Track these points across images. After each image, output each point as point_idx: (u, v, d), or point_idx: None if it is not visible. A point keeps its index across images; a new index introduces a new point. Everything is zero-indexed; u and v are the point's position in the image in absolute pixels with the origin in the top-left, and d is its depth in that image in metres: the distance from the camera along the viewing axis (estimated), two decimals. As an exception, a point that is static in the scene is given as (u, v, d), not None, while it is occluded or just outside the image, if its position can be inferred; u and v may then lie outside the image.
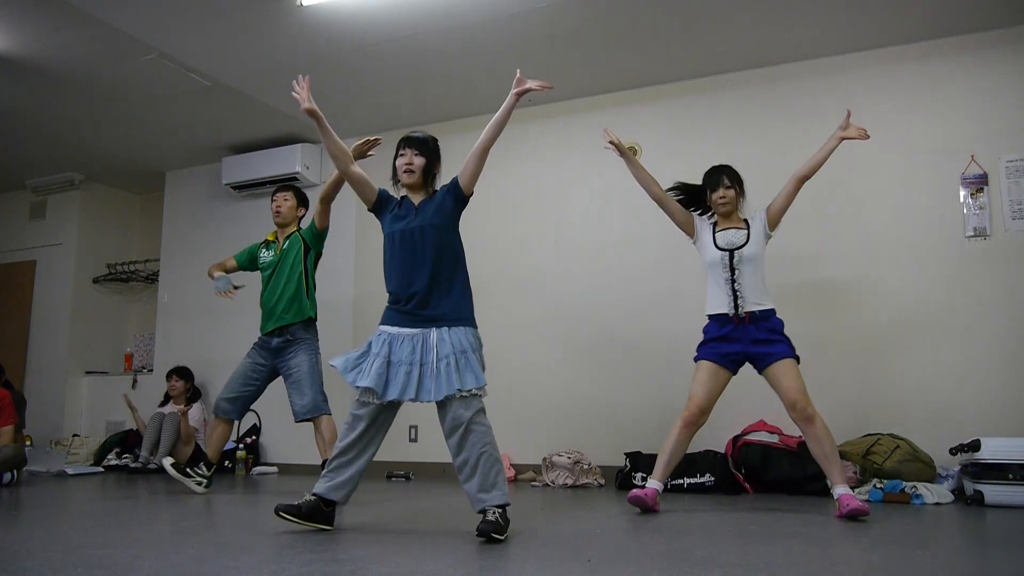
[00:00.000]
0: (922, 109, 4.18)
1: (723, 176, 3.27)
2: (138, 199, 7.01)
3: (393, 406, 2.67)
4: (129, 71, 4.49)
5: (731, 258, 3.17)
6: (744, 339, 3.10)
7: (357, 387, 2.60)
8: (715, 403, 3.15)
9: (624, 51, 4.37)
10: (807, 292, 4.24)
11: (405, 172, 2.76)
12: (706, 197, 3.32)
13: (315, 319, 4.10)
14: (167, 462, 3.96)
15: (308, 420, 3.90)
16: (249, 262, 4.27)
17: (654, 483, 3.12)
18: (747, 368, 3.36)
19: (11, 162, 6.14)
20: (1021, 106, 3.99)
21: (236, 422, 4.20)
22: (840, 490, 2.90)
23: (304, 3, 3.77)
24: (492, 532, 2.35)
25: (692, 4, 3.86)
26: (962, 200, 4.03)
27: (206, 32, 4.08)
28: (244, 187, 5.76)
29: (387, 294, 2.73)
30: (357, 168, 2.83)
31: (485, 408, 2.59)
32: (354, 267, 5.50)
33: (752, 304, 3.11)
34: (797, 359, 3.07)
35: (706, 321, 3.26)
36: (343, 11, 3.87)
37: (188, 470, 3.97)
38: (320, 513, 2.63)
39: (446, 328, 2.61)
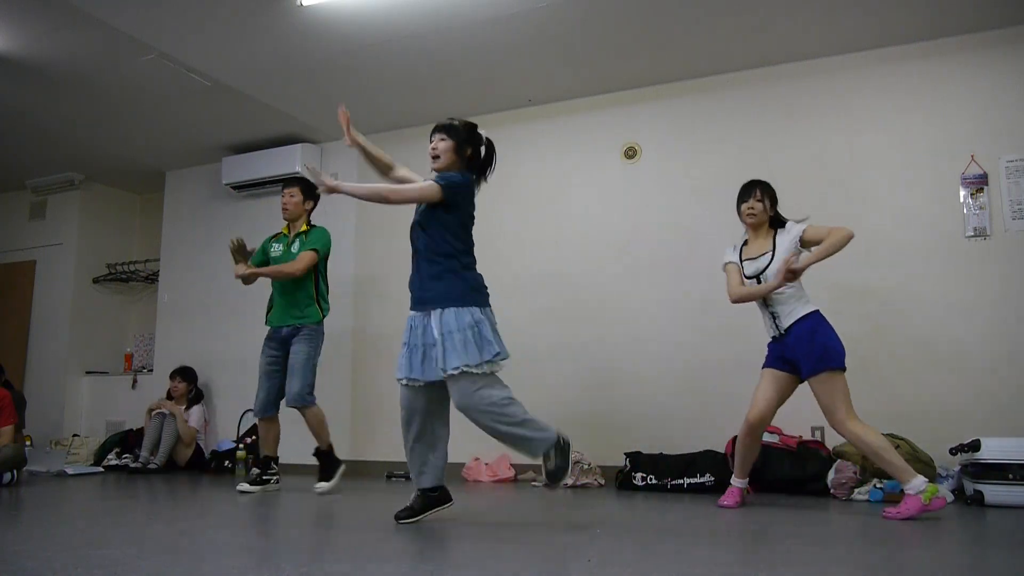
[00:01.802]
0: (922, 109, 4.18)
1: (755, 189, 3.33)
2: (138, 199, 7.01)
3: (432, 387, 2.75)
4: (129, 71, 4.48)
5: (758, 283, 3.23)
6: (789, 347, 3.15)
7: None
8: (776, 406, 3.23)
9: (624, 51, 4.37)
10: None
11: (432, 158, 2.86)
12: (738, 211, 3.37)
13: (323, 318, 4.22)
14: (241, 488, 4.03)
15: (294, 408, 4.03)
16: (264, 259, 4.31)
17: (738, 482, 3.33)
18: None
19: (11, 162, 6.14)
20: (1021, 106, 3.99)
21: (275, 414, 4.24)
22: (910, 487, 2.86)
23: (304, 3, 3.76)
24: (551, 479, 2.64)
25: (692, 4, 3.86)
26: (962, 200, 4.03)
27: (206, 32, 4.08)
28: (244, 187, 5.76)
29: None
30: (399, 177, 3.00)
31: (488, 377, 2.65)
32: (353, 283, 5.50)
33: (788, 318, 3.16)
34: (832, 369, 3.00)
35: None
36: (343, 11, 3.87)
37: (261, 479, 4.10)
38: (432, 500, 2.78)
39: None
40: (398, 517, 2.74)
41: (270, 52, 4.31)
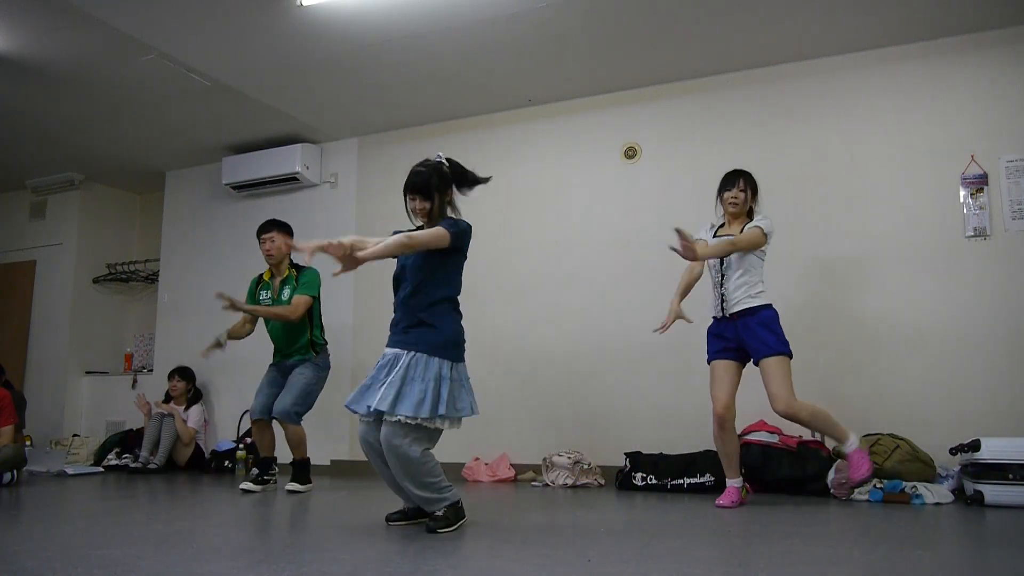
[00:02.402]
0: (922, 109, 4.18)
1: (739, 179, 3.41)
2: (138, 199, 7.01)
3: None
4: (129, 71, 4.48)
5: (721, 263, 3.36)
6: (733, 333, 3.32)
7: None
8: (735, 394, 3.33)
9: (624, 51, 4.37)
10: (807, 292, 4.24)
11: (424, 220, 2.83)
12: (720, 197, 3.46)
13: (324, 345, 4.33)
14: (244, 487, 4.08)
15: (276, 419, 4.10)
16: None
17: (733, 482, 3.37)
18: (747, 369, 3.37)
19: (11, 162, 6.13)
20: (1021, 106, 3.99)
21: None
22: (849, 446, 3.25)
23: (304, 3, 3.76)
24: (432, 526, 2.62)
25: (692, 4, 3.86)
26: (962, 200, 4.03)
27: (206, 32, 4.08)
28: (244, 187, 5.76)
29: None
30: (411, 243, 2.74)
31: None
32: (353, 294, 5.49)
33: (736, 305, 3.30)
34: (787, 355, 3.22)
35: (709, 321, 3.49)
36: (343, 11, 3.87)
37: (262, 478, 4.15)
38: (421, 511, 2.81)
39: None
40: (390, 519, 2.79)
41: (270, 52, 4.31)
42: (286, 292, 4.21)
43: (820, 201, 4.30)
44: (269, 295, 4.28)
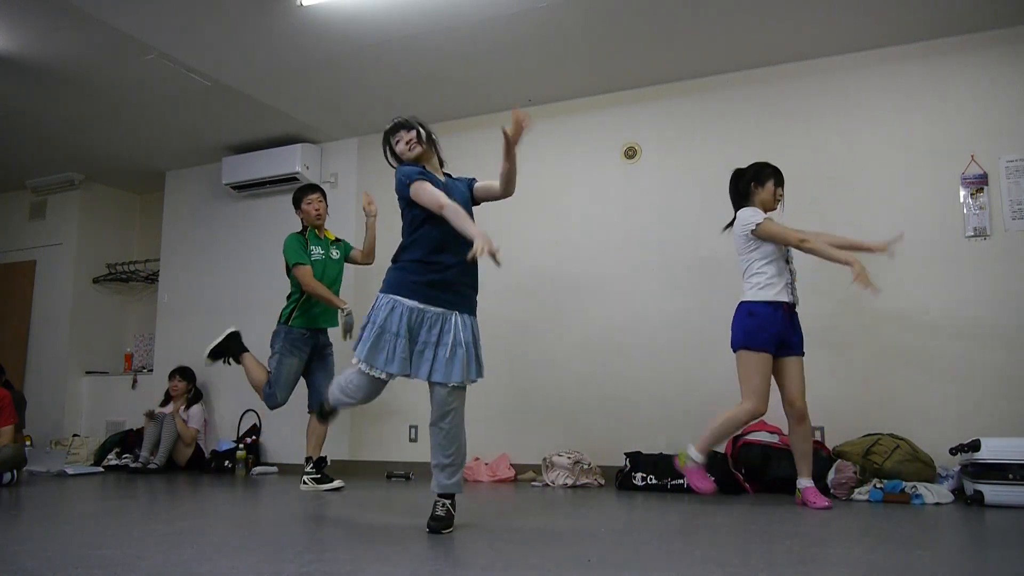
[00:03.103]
0: (922, 109, 4.18)
1: (781, 176, 3.52)
2: (138, 199, 7.01)
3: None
4: (129, 71, 4.48)
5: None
6: (788, 323, 3.38)
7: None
8: (795, 391, 3.36)
9: (624, 51, 4.37)
10: (807, 292, 4.23)
11: (409, 148, 2.87)
12: (772, 191, 3.47)
13: None
14: (304, 489, 4.10)
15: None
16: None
17: (807, 482, 3.35)
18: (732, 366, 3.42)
19: (11, 162, 6.13)
20: (1021, 106, 3.99)
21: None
22: (806, 483, 3.31)
23: (304, 3, 3.76)
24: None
25: (692, 4, 3.86)
26: (962, 200, 4.03)
27: (206, 32, 4.08)
28: (244, 187, 5.75)
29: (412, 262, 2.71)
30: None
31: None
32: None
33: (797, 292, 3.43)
34: (737, 349, 3.32)
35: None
36: (343, 11, 3.87)
37: (308, 480, 4.16)
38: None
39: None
40: (435, 528, 2.60)
41: (270, 52, 4.31)
42: (334, 252, 4.40)
43: (820, 201, 4.29)
44: (322, 251, 4.37)
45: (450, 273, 2.67)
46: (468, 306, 2.74)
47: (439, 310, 2.64)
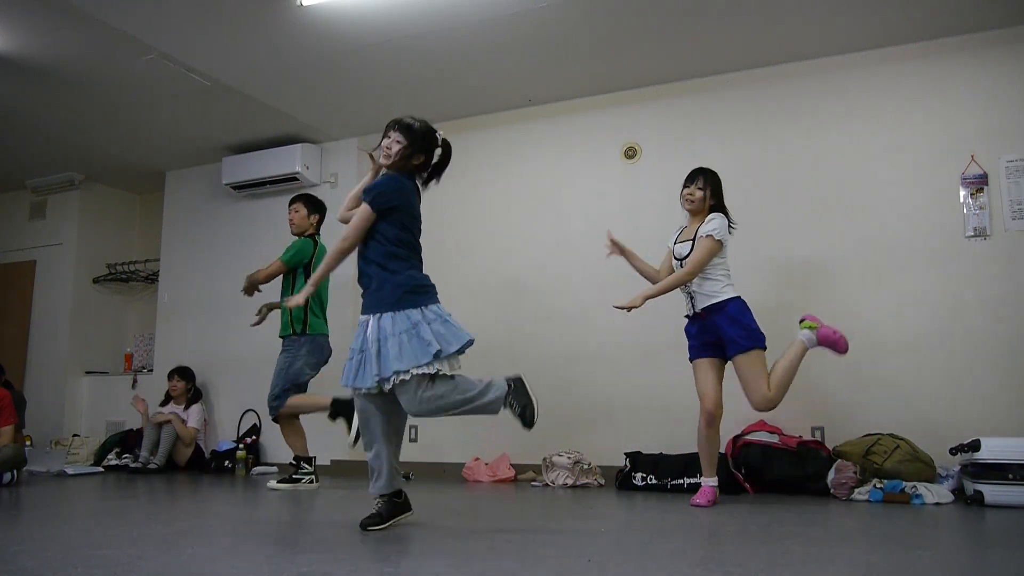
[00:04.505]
0: (922, 109, 4.18)
1: (699, 177, 3.48)
2: (138, 199, 7.01)
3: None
4: (129, 71, 4.48)
5: (681, 264, 3.42)
6: (708, 329, 3.36)
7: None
8: (721, 391, 3.35)
9: (624, 51, 4.37)
10: (807, 291, 4.24)
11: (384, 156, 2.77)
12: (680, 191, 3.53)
13: None
14: (270, 485, 4.17)
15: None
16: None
17: (710, 481, 3.37)
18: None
19: (11, 162, 6.13)
20: (1021, 106, 3.99)
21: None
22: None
23: (304, 3, 3.76)
24: (526, 423, 2.71)
25: (692, 4, 3.86)
26: (962, 200, 4.03)
27: (206, 32, 4.08)
28: (244, 187, 5.75)
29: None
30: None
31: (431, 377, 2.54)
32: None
33: (704, 302, 3.35)
34: (758, 348, 3.26)
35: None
36: (343, 11, 3.87)
37: (292, 477, 4.22)
38: (396, 507, 2.70)
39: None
40: (365, 526, 2.61)
41: (270, 52, 4.31)
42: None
43: (820, 200, 4.30)
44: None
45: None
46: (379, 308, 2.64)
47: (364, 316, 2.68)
